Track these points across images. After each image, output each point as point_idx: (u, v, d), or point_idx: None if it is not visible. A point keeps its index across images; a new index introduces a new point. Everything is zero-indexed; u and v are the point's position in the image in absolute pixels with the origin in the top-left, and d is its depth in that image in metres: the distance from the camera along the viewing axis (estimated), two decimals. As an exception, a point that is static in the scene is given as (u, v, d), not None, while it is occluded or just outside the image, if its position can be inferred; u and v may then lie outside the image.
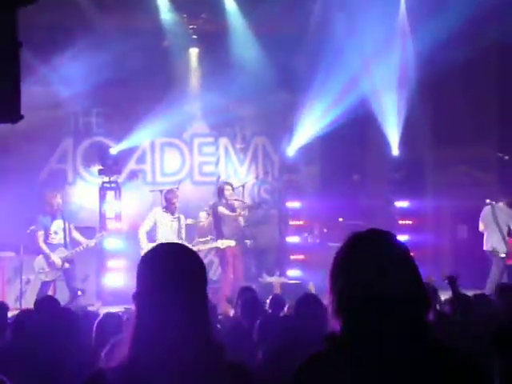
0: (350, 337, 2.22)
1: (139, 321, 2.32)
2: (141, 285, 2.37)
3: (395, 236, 2.34)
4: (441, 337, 2.28)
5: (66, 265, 11.14)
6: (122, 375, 2.25)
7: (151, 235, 11.33)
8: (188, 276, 2.35)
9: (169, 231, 11.28)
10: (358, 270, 2.24)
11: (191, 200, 13.64)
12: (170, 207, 11.49)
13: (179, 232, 11.37)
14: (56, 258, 11.07)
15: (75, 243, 11.41)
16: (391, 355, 2.16)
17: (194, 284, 2.35)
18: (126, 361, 2.28)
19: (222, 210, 11.77)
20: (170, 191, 11.84)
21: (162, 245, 2.59)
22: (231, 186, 12.20)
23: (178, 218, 11.47)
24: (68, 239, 11.27)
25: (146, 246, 10.53)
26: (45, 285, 11.14)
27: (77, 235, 11.42)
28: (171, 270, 2.34)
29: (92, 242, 11.44)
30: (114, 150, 13.81)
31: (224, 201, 11.88)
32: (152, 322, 2.28)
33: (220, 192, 12.04)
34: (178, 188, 12.86)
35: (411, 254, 2.31)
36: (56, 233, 11.23)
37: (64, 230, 11.25)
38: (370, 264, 2.23)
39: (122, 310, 8.15)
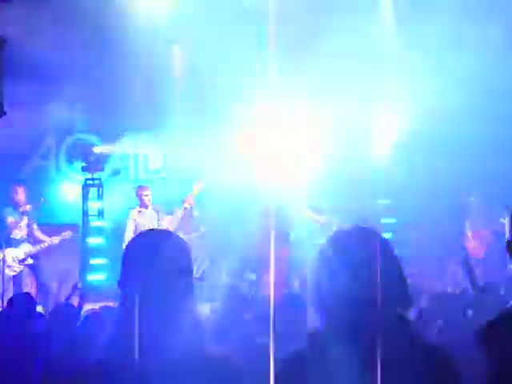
0: (331, 333, 2.22)
1: (122, 310, 2.32)
2: (125, 274, 2.36)
3: (379, 233, 2.35)
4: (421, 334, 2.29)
5: (30, 260, 11.11)
6: (104, 370, 2.23)
7: (134, 236, 11.20)
8: (173, 266, 2.33)
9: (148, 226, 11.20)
10: (340, 267, 2.24)
11: (173, 197, 13.59)
12: (142, 202, 11.46)
13: (158, 224, 11.31)
14: (19, 251, 11.04)
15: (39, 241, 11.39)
16: (372, 352, 2.16)
17: (177, 275, 2.34)
18: (108, 354, 2.27)
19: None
20: (139, 187, 11.88)
21: (144, 233, 2.55)
22: None
23: (156, 210, 11.44)
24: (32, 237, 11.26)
25: None
26: (15, 279, 11.09)
27: (39, 234, 11.37)
28: (153, 261, 2.31)
29: (56, 240, 11.37)
30: (98, 149, 13.67)
31: None
32: (133, 314, 2.26)
33: None
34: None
35: (395, 251, 2.32)
36: (20, 228, 11.19)
37: (28, 225, 11.22)
38: (352, 261, 2.24)
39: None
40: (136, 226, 11.25)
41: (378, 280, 2.21)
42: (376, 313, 2.20)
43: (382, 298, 2.20)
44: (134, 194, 11.78)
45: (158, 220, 11.37)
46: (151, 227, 11.13)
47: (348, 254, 2.25)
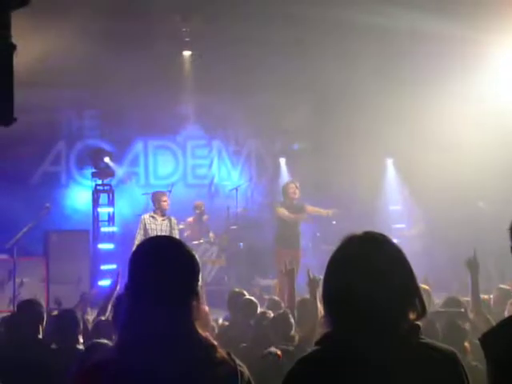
0: (340, 339, 2.22)
1: (129, 313, 2.34)
2: (131, 279, 2.37)
3: (390, 238, 2.34)
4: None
5: None
6: (114, 369, 2.24)
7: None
8: (177, 272, 2.34)
9: (159, 234, 11.11)
10: (351, 273, 2.24)
11: (184, 203, 13.61)
12: (160, 207, 11.26)
13: (170, 233, 11.21)
14: None
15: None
16: (380, 358, 2.16)
17: (184, 281, 2.34)
18: (117, 354, 2.28)
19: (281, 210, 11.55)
20: (157, 191, 11.71)
21: (152, 239, 2.58)
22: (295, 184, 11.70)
23: (169, 219, 11.32)
24: None
25: None
26: None
27: None
28: (160, 266, 2.34)
29: None
30: (108, 158, 13.56)
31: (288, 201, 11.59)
32: (141, 317, 2.29)
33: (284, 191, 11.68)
34: (170, 191, 12.81)
35: (406, 256, 2.31)
36: None
37: None
38: (363, 267, 2.23)
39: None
40: (147, 232, 11.09)
41: (391, 285, 2.21)
42: (387, 319, 2.19)
43: (395, 303, 2.20)
44: (150, 200, 11.61)
45: (171, 229, 11.23)
46: (161, 233, 11.08)
47: (359, 259, 2.25)
